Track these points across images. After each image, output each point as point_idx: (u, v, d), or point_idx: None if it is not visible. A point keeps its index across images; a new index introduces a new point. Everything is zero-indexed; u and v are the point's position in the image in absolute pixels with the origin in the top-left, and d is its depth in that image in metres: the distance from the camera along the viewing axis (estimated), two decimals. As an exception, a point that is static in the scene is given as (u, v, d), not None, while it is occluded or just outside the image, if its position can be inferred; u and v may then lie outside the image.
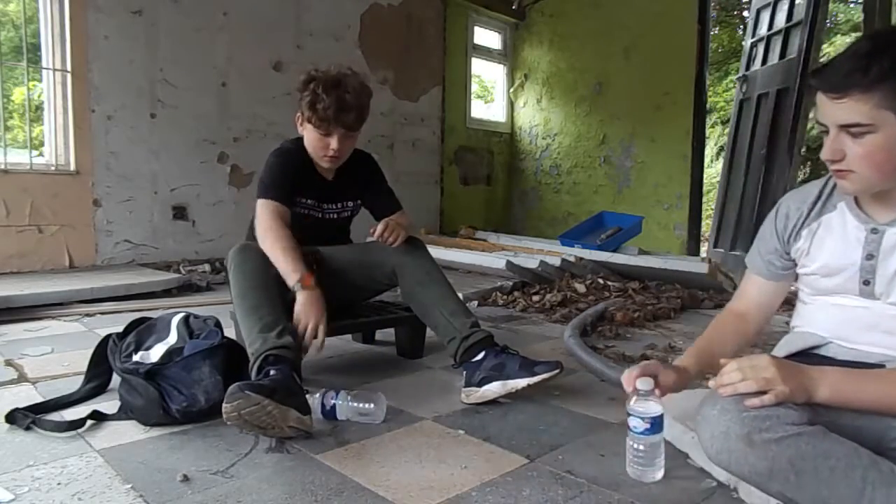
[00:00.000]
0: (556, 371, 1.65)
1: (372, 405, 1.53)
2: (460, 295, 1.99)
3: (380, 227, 1.87)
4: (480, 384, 1.68)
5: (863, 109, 0.99)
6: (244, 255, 1.73)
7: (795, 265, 1.26)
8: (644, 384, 1.18)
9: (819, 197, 1.22)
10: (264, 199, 1.84)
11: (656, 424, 1.20)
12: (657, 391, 1.19)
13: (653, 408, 1.19)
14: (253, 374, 1.50)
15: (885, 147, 1.01)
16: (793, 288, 1.32)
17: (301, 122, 1.92)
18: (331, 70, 1.89)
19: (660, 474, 1.25)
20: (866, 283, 1.11)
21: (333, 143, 1.86)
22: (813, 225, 1.20)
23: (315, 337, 1.66)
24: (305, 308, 1.67)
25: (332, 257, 1.96)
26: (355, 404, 1.53)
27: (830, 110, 1.04)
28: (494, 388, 1.66)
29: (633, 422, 1.21)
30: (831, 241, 1.17)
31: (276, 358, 1.50)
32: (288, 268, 1.71)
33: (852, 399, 1.01)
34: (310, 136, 1.89)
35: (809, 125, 4.93)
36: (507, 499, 1.18)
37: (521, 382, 1.64)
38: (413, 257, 1.91)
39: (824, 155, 1.07)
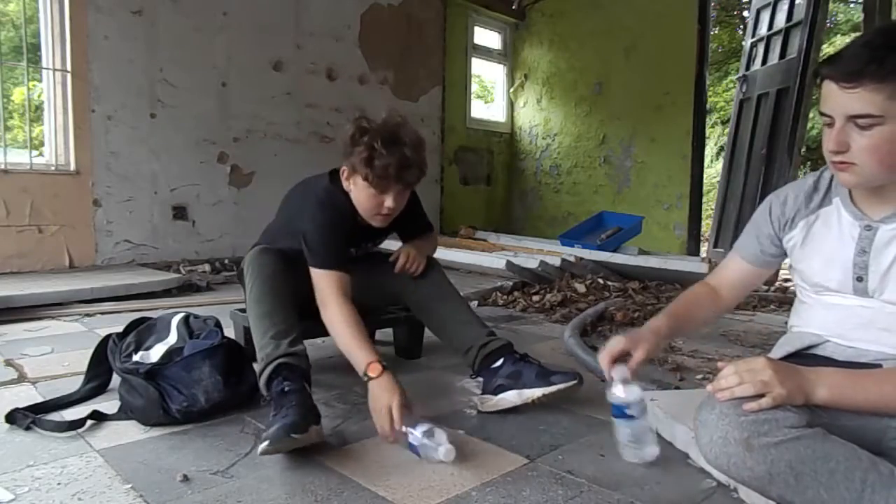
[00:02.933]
0: (574, 382, 1.62)
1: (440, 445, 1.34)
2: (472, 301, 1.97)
3: (400, 260, 1.86)
4: (496, 392, 1.65)
5: (875, 100, 0.98)
6: (263, 259, 1.71)
7: (784, 255, 1.27)
8: (619, 373, 1.27)
9: (815, 188, 1.22)
10: (324, 271, 1.66)
11: (638, 408, 1.28)
12: (630, 374, 1.27)
13: (633, 393, 1.27)
14: (263, 379, 1.49)
15: (891, 139, 1.00)
16: (791, 288, 1.33)
17: (349, 175, 1.71)
18: (384, 121, 1.68)
19: (656, 450, 1.31)
20: (859, 279, 1.11)
21: (389, 201, 1.67)
22: (811, 217, 1.20)
23: (392, 423, 1.40)
24: (376, 396, 1.45)
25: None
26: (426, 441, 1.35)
27: (840, 100, 1.02)
28: (510, 398, 1.63)
29: (616, 410, 1.29)
30: (826, 235, 1.17)
31: (288, 367, 1.48)
32: (358, 356, 1.53)
33: (851, 399, 1.01)
34: (361, 193, 1.69)
35: (809, 125, 4.92)
36: (507, 499, 1.18)
37: (537, 392, 1.61)
38: (425, 273, 1.90)
39: (829, 146, 1.05)
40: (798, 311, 1.27)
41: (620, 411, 1.29)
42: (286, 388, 1.44)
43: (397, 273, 1.87)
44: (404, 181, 1.67)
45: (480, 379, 1.73)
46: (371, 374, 1.47)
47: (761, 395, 0.99)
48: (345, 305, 1.62)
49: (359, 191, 1.70)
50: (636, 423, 1.30)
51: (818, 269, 1.18)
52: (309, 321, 1.89)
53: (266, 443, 1.27)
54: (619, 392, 1.28)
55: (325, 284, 1.65)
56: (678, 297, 1.39)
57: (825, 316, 1.18)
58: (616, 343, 1.28)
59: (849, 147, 1.03)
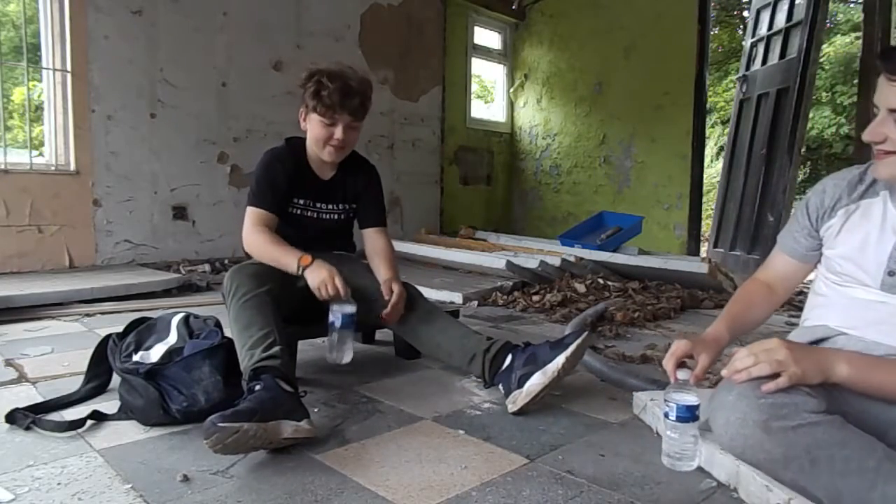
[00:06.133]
0: (585, 333, 1.63)
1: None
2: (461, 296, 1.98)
3: (394, 299, 1.83)
4: (521, 384, 1.62)
5: None
6: (238, 278, 1.73)
7: (821, 245, 1.26)
8: (684, 374, 1.21)
9: (861, 179, 1.21)
10: (251, 207, 1.90)
11: (692, 412, 1.21)
12: (692, 380, 1.21)
13: (689, 397, 1.21)
14: (245, 391, 1.48)
15: None
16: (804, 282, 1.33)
17: (305, 115, 1.92)
18: (332, 65, 1.90)
19: (694, 465, 1.26)
20: (891, 273, 1.11)
21: (338, 132, 1.86)
22: (851, 206, 1.20)
23: (337, 288, 1.71)
24: (316, 276, 1.73)
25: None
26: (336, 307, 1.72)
27: (886, 92, 1.04)
28: (537, 381, 1.60)
29: (669, 409, 1.22)
30: (866, 226, 1.17)
31: (257, 371, 1.47)
32: (285, 258, 1.78)
33: (871, 379, 1.00)
34: (314, 127, 1.89)
35: (809, 125, 4.93)
36: (507, 499, 1.18)
37: (559, 360, 1.58)
38: (408, 302, 1.89)
39: (865, 136, 1.08)
40: (814, 305, 1.26)
41: (678, 415, 1.22)
42: (255, 388, 1.42)
43: (382, 306, 1.85)
44: (349, 108, 1.85)
45: (499, 387, 1.70)
46: (304, 264, 1.74)
47: (778, 375, 0.98)
48: (264, 232, 1.85)
49: (313, 126, 1.90)
50: (688, 429, 1.24)
51: (850, 258, 1.17)
52: (306, 323, 1.90)
53: (202, 438, 1.24)
54: (682, 396, 1.21)
55: (248, 218, 1.88)
56: (734, 298, 1.36)
57: (843, 309, 1.18)
58: (681, 346, 1.23)
59: (885, 138, 1.05)
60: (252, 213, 1.89)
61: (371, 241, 2.06)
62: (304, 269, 1.74)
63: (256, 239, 1.84)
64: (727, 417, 1.01)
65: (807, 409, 0.96)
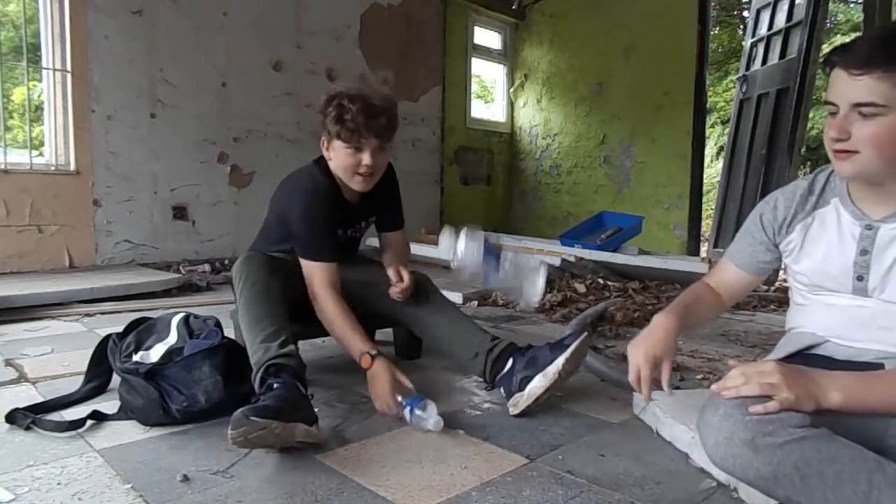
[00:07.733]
0: (584, 335, 1.62)
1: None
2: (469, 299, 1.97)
3: (406, 283, 1.85)
4: (522, 387, 1.61)
5: (881, 89, 0.99)
6: (249, 266, 1.72)
7: (779, 260, 1.27)
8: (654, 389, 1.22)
9: (810, 191, 1.21)
10: (314, 263, 1.74)
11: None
12: (666, 389, 1.21)
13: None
14: (256, 384, 1.48)
15: (893, 131, 1.00)
16: (785, 285, 1.34)
17: (327, 144, 1.77)
18: (350, 86, 1.79)
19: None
20: (860, 278, 1.11)
21: (366, 158, 1.71)
22: (807, 220, 1.20)
23: (393, 408, 1.58)
24: (375, 388, 1.62)
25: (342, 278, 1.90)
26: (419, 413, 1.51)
27: (846, 87, 1.03)
28: (538, 384, 1.59)
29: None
30: (826, 237, 1.17)
31: (277, 367, 1.47)
32: (350, 343, 1.69)
33: (865, 402, 0.99)
34: (339, 155, 1.74)
35: (809, 125, 4.92)
36: (507, 499, 1.18)
37: (559, 361, 1.58)
38: (417, 290, 1.89)
39: (830, 133, 1.05)
40: (795, 313, 1.26)
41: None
42: (274, 385, 1.42)
43: (393, 296, 1.87)
44: (374, 130, 1.70)
45: (500, 389, 1.70)
46: (365, 366, 1.65)
47: (768, 398, 0.98)
48: (334, 297, 1.74)
49: (337, 154, 1.75)
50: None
51: (816, 270, 1.18)
52: (306, 323, 1.90)
53: (229, 428, 1.23)
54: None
55: (316, 276, 1.75)
56: (685, 294, 1.37)
57: (824, 316, 1.18)
58: (647, 367, 1.18)
59: (850, 135, 1.03)
60: (318, 270, 1.74)
61: (386, 238, 2.05)
62: (364, 369, 1.67)
63: (331, 309, 1.72)
64: (715, 438, 1.01)
65: (792, 424, 0.95)
